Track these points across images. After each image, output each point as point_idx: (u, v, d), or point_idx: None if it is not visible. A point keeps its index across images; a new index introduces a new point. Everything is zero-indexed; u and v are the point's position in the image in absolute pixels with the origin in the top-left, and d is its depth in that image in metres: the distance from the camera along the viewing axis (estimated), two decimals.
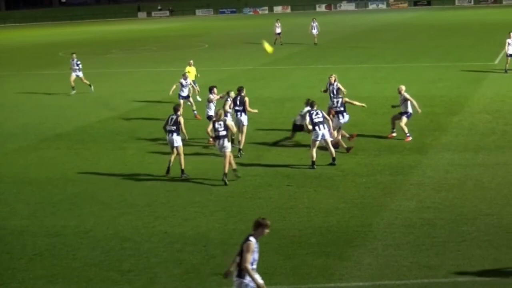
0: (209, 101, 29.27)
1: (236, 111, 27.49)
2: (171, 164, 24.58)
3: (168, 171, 24.60)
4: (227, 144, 23.82)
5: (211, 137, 24.63)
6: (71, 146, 30.17)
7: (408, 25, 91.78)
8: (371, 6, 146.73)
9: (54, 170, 26.22)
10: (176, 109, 24.80)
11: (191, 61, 40.12)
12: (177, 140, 24.36)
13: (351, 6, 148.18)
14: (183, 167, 24.34)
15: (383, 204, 20.62)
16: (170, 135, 24.41)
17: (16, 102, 42.81)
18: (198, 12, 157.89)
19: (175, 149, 24.46)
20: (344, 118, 27.43)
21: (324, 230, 18.81)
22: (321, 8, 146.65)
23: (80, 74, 44.32)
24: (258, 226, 13.34)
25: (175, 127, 24.31)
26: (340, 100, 27.43)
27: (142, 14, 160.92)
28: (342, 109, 27.29)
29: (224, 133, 23.72)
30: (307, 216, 19.93)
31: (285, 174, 24.24)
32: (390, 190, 21.90)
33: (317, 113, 24.99)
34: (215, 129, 23.86)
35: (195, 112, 34.09)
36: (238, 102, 27.51)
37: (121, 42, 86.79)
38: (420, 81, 42.52)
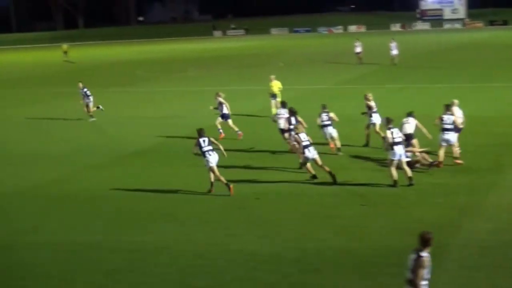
0: (280, 115, 30.92)
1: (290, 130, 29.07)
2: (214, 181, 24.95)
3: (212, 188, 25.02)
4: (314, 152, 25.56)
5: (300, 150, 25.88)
6: (148, 163, 30.56)
7: (485, 44, 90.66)
8: (446, 26, 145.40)
9: (131, 187, 26.57)
10: (202, 133, 25.26)
11: (272, 76, 42.06)
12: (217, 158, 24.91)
13: (426, 26, 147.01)
14: (224, 180, 24.74)
15: (459, 225, 20.42)
16: (212, 153, 24.72)
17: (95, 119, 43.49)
18: (273, 30, 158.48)
19: (214, 167, 24.74)
20: (449, 136, 26.97)
21: (399, 250, 18.67)
22: (396, 27, 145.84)
23: (90, 102, 43.00)
24: (427, 241, 13.31)
25: (211, 147, 24.82)
26: (452, 118, 27.33)
27: (217, 33, 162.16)
28: (451, 126, 27.07)
29: (307, 142, 25.44)
30: (382, 236, 19.85)
31: (359, 193, 24.16)
32: (467, 211, 21.67)
33: (397, 132, 25.00)
34: (302, 141, 25.51)
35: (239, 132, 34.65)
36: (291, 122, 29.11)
37: (196, 60, 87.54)
38: (497, 101, 41.96)
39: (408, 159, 25.44)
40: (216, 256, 18.88)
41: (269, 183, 25.67)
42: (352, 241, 19.43)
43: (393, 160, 24.64)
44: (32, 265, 18.99)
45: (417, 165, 26.52)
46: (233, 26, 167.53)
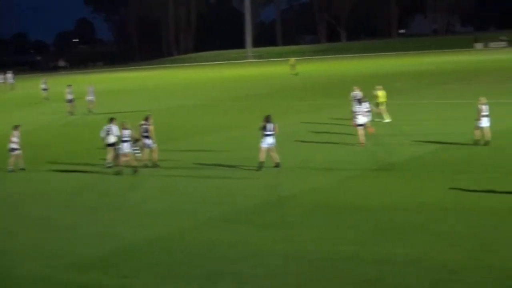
0: None
1: None
2: None
3: None
4: None
5: None
6: (401, 175, 30.31)
7: None
8: None
9: (384, 198, 26.48)
10: None
11: None
12: None
13: None
14: None
15: None
16: None
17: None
18: None
19: None
20: None
21: None
22: None
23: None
24: None
25: None
26: None
27: (478, 45, 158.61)
28: None
29: None
30: None
31: None
32: None
33: None
34: None
35: None
36: None
37: (457, 73, 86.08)
38: None
39: None
40: (471, 273, 18.25)
41: None
42: None
43: None
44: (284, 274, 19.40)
45: None
46: (502, 37, 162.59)
